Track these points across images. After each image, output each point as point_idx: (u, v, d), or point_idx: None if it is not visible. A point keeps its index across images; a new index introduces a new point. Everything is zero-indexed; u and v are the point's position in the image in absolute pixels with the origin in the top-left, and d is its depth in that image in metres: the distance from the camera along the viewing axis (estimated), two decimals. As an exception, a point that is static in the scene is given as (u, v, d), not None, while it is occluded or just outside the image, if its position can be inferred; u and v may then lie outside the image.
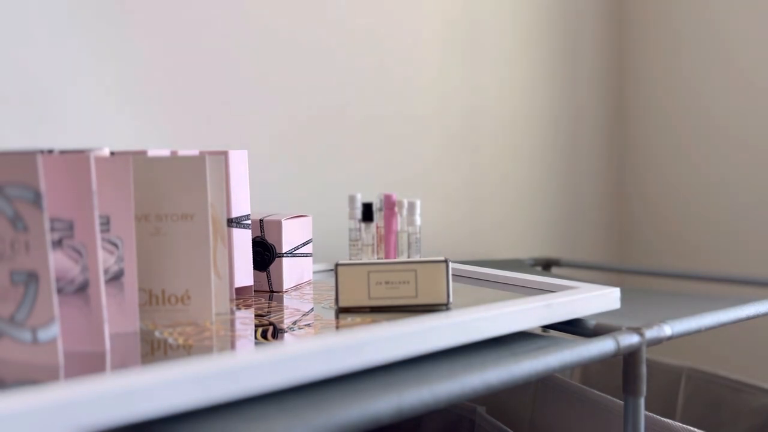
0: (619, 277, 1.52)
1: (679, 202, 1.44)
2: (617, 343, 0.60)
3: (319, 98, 1.07)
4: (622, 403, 0.66)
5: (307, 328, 0.60)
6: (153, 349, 0.52)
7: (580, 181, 1.47)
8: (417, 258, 0.89)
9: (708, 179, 1.40)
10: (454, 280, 0.81)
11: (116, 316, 0.55)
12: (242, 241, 0.72)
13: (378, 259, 0.93)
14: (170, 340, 0.54)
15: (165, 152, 0.67)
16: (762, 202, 1.31)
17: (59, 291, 0.51)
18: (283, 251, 0.78)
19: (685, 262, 1.43)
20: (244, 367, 0.43)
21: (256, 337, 0.56)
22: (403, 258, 0.92)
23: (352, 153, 1.11)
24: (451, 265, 0.66)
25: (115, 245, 0.55)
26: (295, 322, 0.62)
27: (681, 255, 1.44)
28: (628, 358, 0.63)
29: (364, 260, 0.68)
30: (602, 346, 0.58)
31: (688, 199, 1.43)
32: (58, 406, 0.36)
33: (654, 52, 1.48)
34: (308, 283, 0.84)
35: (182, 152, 0.69)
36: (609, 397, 0.76)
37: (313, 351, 0.46)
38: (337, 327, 0.60)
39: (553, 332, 0.80)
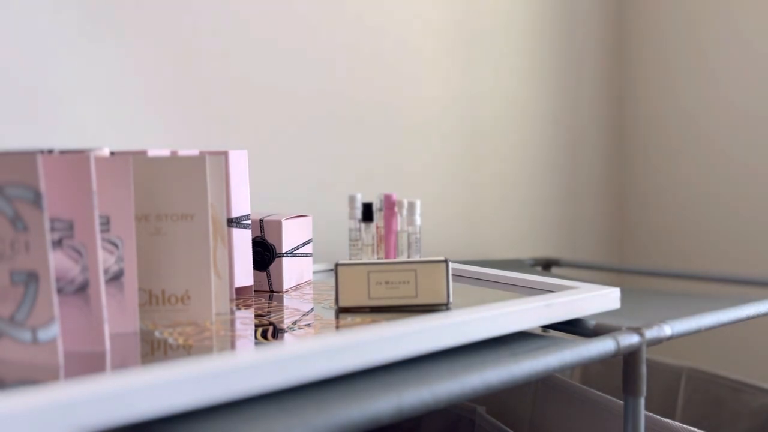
0: (619, 277, 1.52)
1: (679, 202, 1.44)
2: (617, 343, 0.60)
3: (319, 98, 1.07)
4: (622, 403, 0.66)
5: (307, 328, 0.60)
6: (153, 349, 0.52)
7: (580, 181, 1.47)
8: (417, 258, 0.89)
9: (708, 179, 1.40)
10: (454, 280, 0.81)
11: (116, 316, 0.55)
12: (242, 241, 0.72)
13: (378, 259, 0.93)
14: (170, 340, 0.54)
15: (165, 152, 0.67)
16: (762, 202, 1.31)
17: (59, 291, 0.51)
18: (283, 251, 0.78)
19: (685, 262, 1.43)
20: (244, 367, 0.43)
21: (256, 337, 0.56)
22: (403, 258, 0.92)
23: (352, 153, 1.11)
24: (451, 265, 0.66)
25: (115, 245, 0.55)
26: (295, 322, 0.62)
27: (681, 255, 1.44)
28: (628, 358, 0.63)
29: (364, 260, 0.68)
30: (602, 346, 0.58)
31: (688, 199, 1.43)
32: (58, 406, 0.36)
33: (654, 53, 1.48)
34: (308, 283, 0.84)
35: (182, 152, 0.69)
36: (609, 397, 0.76)
37: (313, 351, 0.46)
38: (337, 327, 0.60)
39: (553, 332, 0.80)
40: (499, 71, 1.31)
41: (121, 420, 0.38)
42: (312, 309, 0.68)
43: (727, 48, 1.36)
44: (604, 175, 1.52)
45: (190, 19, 0.95)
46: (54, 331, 0.48)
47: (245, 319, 0.63)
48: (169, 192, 0.60)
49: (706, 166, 1.40)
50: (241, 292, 0.74)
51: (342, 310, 0.65)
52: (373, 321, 0.60)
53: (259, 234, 0.79)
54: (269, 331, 0.58)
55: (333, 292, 0.75)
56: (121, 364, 0.49)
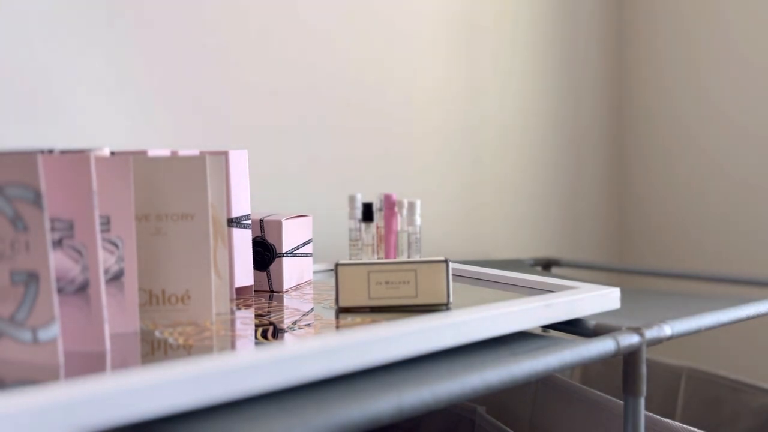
0: (619, 277, 1.52)
1: (679, 202, 1.44)
2: (617, 343, 0.60)
3: (320, 98, 1.07)
4: (622, 403, 0.66)
5: (307, 328, 0.60)
6: (153, 349, 0.52)
7: (580, 181, 1.47)
8: (417, 258, 0.89)
9: (708, 180, 1.40)
10: (454, 280, 0.81)
11: (116, 316, 0.55)
12: (242, 241, 0.72)
13: (378, 259, 0.93)
14: (170, 340, 0.54)
15: (165, 152, 0.67)
16: (762, 202, 1.31)
17: (59, 291, 0.51)
18: (283, 251, 0.78)
19: (685, 262, 1.43)
20: (244, 367, 0.43)
21: (256, 337, 0.56)
22: (403, 258, 0.92)
23: (352, 153, 1.11)
24: (451, 265, 0.66)
25: (116, 245, 0.55)
26: (295, 322, 0.62)
27: (681, 255, 1.44)
28: (628, 358, 0.63)
29: (364, 260, 0.68)
30: (602, 346, 0.58)
31: (688, 199, 1.43)
32: (58, 406, 0.36)
33: (654, 53, 1.48)
34: (308, 283, 0.84)
35: (182, 152, 0.69)
36: (609, 397, 0.76)
37: (313, 351, 0.46)
38: (337, 327, 0.60)
39: (553, 332, 0.80)
40: (499, 71, 1.31)
41: (121, 420, 0.38)
42: (312, 309, 0.68)
43: (728, 49, 1.36)
44: (604, 175, 1.52)
45: (191, 19, 0.95)
46: (54, 331, 0.48)
47: (245, 319, 0.63)
48: (169, 192, 0.60)
49: (706, 167, 1.40)
50: (241, 292, 0.74)
51: (342, 310, 0.65)
52: (373, 321, 0.60)
53: (259, 234, 0.79)
54: (269, 331, 0.58)
55: (333, 292, 0.75)
56: (121, 364, 0.49)
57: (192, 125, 0.95)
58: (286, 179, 1.04)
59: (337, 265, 0.65)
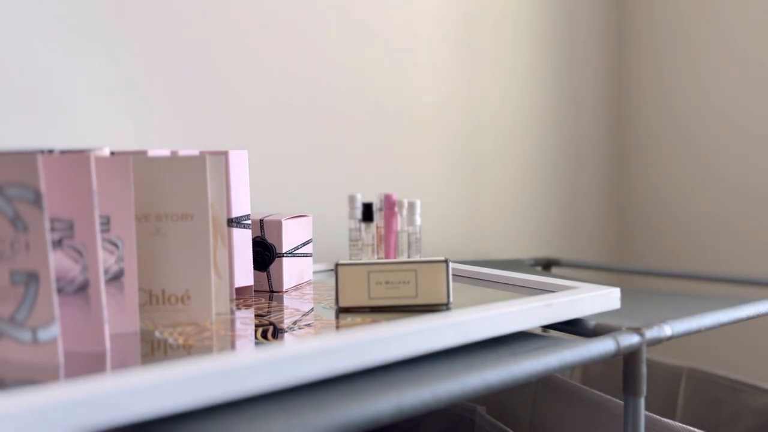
0: (619, 277, 1.52)
1: (679, 202, 1.44)
2: (617, 343, 0.60)
3: (320, 98, 1.07)
4: (622, 403, 0.66)
5: (307, 328, 0.60)
6: (153, 349, 0.52)
7: (580, 181, 1.47)
8: (417, 258, 0.89)
9: (708, 179, 1.40)
10: (454, 280, 0.81)
11: (116, 316, 0.55)
12: (242, 241, 0.72)
13: (378, 259, 0.93)
14: (170, 340, 0.54)
15: (165, 152, 0.67)
16: (762, 202, 1.31)
17: (59, 291, 0.51)
18: (283, 251, 0.78)
19: (685, 262, 1.43)
20: (244, 367, 0.43)
21: (256, 337, 0.56)
22: (403, 258, 0.92)
23: (352, 153, 1.11)
24: (451, 265, 0.66)
25: (115, 245, 0.55)
26: (295, 322, 0.62)
27: (681, 255, 1.44)
28: (628, 358, 0.63)
29: (364, 260, 0.68)
30: (602, 346, 0.58)
31: (688, 199, 1.43)
32: (58, 406, 0.36)
33: (654, 53, 1.48)
34: (308, 283, 0.84)
35: (182, 152, 0.69)
36: (609, 397, 0.76)
37: (313, 351, 0.46)
38: (337, 327, 0.60)
39: (553, 332, 0.80)
40: (499, 71, 1.31)
41: (121, 420, 0.38)
42: (312, 309, 0.68)
43: (728, 50, 1.36)
44: (604, 175, 1.52)
45: (191, 19, 0.95)
46: (54, 331, 0.48)
47: (245, 319, 0.63)
48: (169, 192, 0.60)
49: (706, 167, 1.40)
50: (241, 292, 0.74)
51: (342, 310, 0.65)
52: (373, 321, 0.60)
53: (259, 234, 0.79)
54: (269, 331, 0.58)
55: (333, 292, 0.75)
56: (121, 364, 0.49)
57: (192, 125, 0.95)
58: (286, 179, 1.04)
59: (337, 265, 0.65)
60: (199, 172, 0.60)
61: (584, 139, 1.48)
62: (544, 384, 0.86)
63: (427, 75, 1.21)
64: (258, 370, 0.43)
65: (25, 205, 0.48)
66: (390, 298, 0.64)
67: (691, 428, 0.69)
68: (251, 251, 0.74)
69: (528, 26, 1.36)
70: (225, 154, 0.70)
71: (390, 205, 0.95)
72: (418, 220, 0.93)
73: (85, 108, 0.87)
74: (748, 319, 0.76)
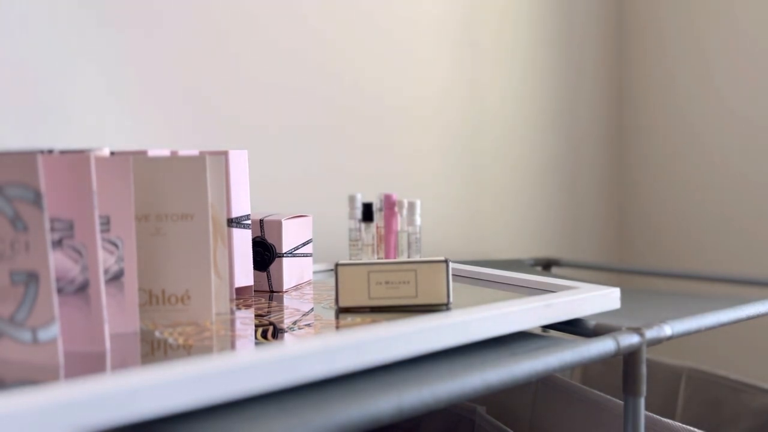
0: (619, 277, 1.52)
1: (679, 202, 1.44)
2: (617, 343, 0.60)
3: (320, 98, 1.07)
4: (622, 403, 0.66)
5: (307, 328, 0.60)
6: (153, 349, 0.52)
7: (580, 181, 1.47)
8: (417, 258, 0.89)
9: (708, 179, 1.40)
10: (454, 280, 0.81)
11: (116, 316, 0.55)
12: (242, 241, 0.72)
13: (378, 259, 0.93)
14: (170, 340, 0.54)
15: (165, 152, 0.67)
16: (762, 202, 1.31)
17: (59, 291, 0.51)
18: (283, 251, 0.78)
19: (685, 262, 1.43)
20: (244, 367, 0.43)
21: (256, 337, 0.56)
22: (403, 258, 0.92)
23: (352, 153, 1.11)
24: (451, 265, 0.66)
25: (115, 245, 0.55)
26: (295, 322, 0.62)
27: (681, 255, 1.44)
28: (628, 358, 0.63)
29: (364, 260, 0.68)
30: (602, 346, 0.58)
31: (688, 199, 1.43)
32: (58, 406, 0.36)
33: (654, 54, 1.48)
34: (308, 283, 0.84)
35: (182, 152, 0.69)
36: (609, 397, 0.76)
37: (313, 351, 0.46)
38: (337, 327, 0.60)
39: (553, 332, 0.80)
40: (499, 72, 1.31)
41: (121, 420, 0.38)
42: (312, 309, 0.68)
43: (728, 49, 1.36)
44: (604, 175, 1.52)
45: (191, 19, 0.95)
46: (54, 331, 0.48)
47: (245, 319, 0.63)
48: (169, 192, 0.60)
49: (706, 166, 1.40)
50: (241, 292, 0.74)
51: (342, 310, 0.65)
52: (373, 321, 0.60)
53: (259, 234, 0.79)
54: (269, 331, 0.58)
55: (333, 292, 0.75)
56: (121, 364, 0.49)
57: (192, 125, 0.95)
58: (286, 179, 1.04)
59: (337, 265, 0.65)
60: (199, 172, 0.60)
61: (584, 139, 1.48)
62: (544, 384, 0.86)
63: (427, 75, 1.20)
64: (258, 370, 0.43)
65: (25, 205, 0.48)
66: (390, 298, 0.64)
67: (691, 428, 0.69)
68: (251, 251, 0.74)
69: (528, 27, 1.36)
70: (225, 154, 0.70)
71: (390, 205, 0.95)
72: (418, 220, 0.93)
73: (84, 108, 0.87)
74: (748, 319, 0.76)
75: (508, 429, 0.77)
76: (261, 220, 0.79)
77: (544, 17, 1.39)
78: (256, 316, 0.65)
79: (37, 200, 0.48)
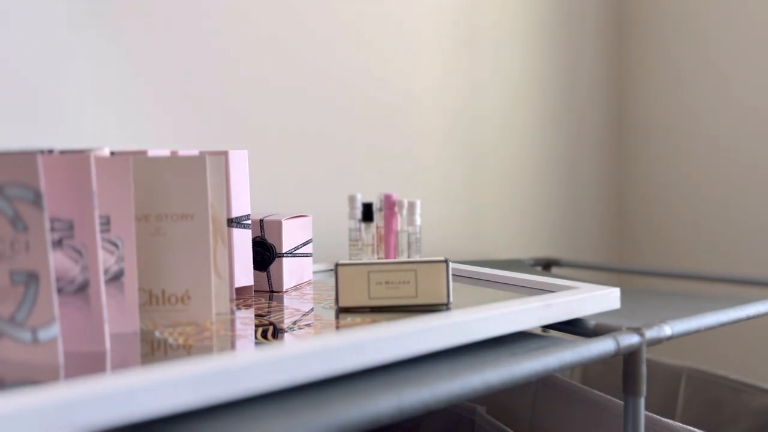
0: (619, 277, 1.52)
1: (679, 202, 1.44)
2: (617, 343, 0.60)
3: (320, 98, 1.07)
4: (622, 403, 0.66)
5: (307, 328, 0.60)
6: (153, 349, 0.52)
7: (580, 181, 1.47)
8: (417, 258, 0.89)
9: (708, 179, 1.40)
10: (454, 280, 0.81)
11: (116, 316, 0.55)
12: (242, 241, 0.72)
13: (378, 259, 0.93)
14: (170, 340, 0.54)
15: (165, 152, 0.67)
16: (761, 202, 1.31)
17: (59, 291, 0.51)
18: (283, 251, 0.78)
19: (685, 262, 1.43)
20: (244, 367, 0.43)
21: (256, 337, 0.56)
22: (403, 258, 0.92)
23: (352, 153, 1.11)
24: (451, 265, 0.66)
25: (115, 245, 0.55)
26: (295, 322, 0.62)
27: (681, 255, 1.44)
28: (628, 358, 0.63)
29: (364, 260, 0.68)
30: (602, 346, 0.58)
31: (688, 199, 1.43)
32: (58, 406, 0.36)
33: (654, 54, 1.48)
34: (308, 283, 0.84)
35: (182, 152, 0.69)
36: (609, 397, 0.76)
37: (313, 351, 0.46)
38: (337, 327, 0.60)
39: (553, 332, 0.80)
40: (498, 71, 1.31)
41: (121, 420, 0.38)
42: (312, 309, 0.68)
43: (727, 48, 1.36)
44: (604, 175, 1.52)
45: (191, 19, 0.95)
46: (54, 331, 0.48)
47: (245, 319, 0.63)
48: (169, 192, 0.60)
49: (706, 167, 1.40)
50: (241, 292, 0.74)
51: (342, 310, 0.65)
52: (373, 321, 0.60)
53: (259, 234, 0.79)
54: (269, 331, 0.58)
55: (333, 292, 0.75)
56: (121, 364, 0.49)
57: (192, 125, 0.95)
58: (286, 179, 1.04)
59: (337, 265, 0.65)
60: (199, 172, 0.60)
61: (584, 139, 1.48)
62: (544, 384, 0.86)
63: (427, 75, 1.20)
64: (258, 370, 0.43)
65: (25, 205, 0.48)
66: (390, 298, 0.64)
67: (691, 428, 0.69)
68: (251, 251, 0.74)
69: (528, 26, 1.36)
70: (225, 154, 0.70)
71: (390, 205, 0.95)
72: (418, 220, 0.93)
73: (84, 108, 0.87)
74: (748, 319, 0.76)
75: (508, 429, 0.77)
76: (261, 220, 0.79)
77: (547, 16, 1.39)
78: (256, 316, 0.65)
79: (37, 200, 0.48)
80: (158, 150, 0.67)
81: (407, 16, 1.17)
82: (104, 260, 0.55)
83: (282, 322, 0.62)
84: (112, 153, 0.61)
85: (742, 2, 1.33)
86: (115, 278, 0.55)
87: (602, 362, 1.13)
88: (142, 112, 0.91)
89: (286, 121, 1.04)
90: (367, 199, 1.10)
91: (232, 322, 0.61)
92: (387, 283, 0.64)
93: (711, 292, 1.31)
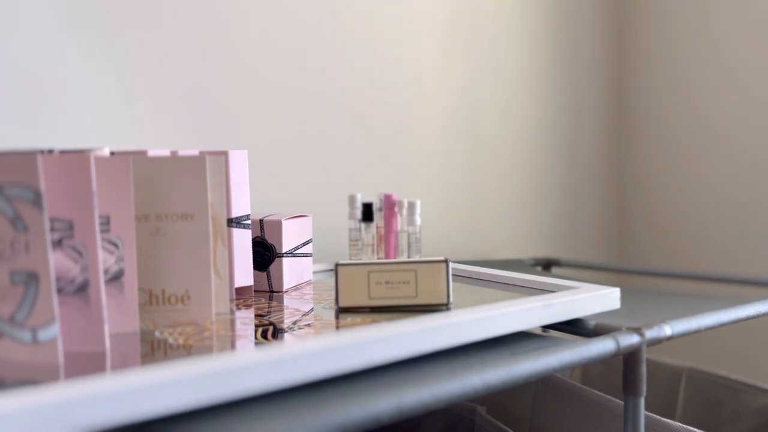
0: (619, 277, 1.52)
1: (679, 202, 1.44)
2: (617, 343, 0.60)
3: (320, 98, 1.07)
4: (622, 403, 0.66)
5: (307, 328, 0.60)
6: (153, 349, 0.52)
7: (580, 181, 1.47)
8: (417, 258, 0.89)
9: (708, 180, 1.40)
10: (454, 280, 0.81)
11: (116, 316, 0.55)
12: (242, 241, 0.72)
13: (378, 259, 0.93)
14: (170, 340, 0.54)
15: (165, 152, 0.67)
16: (761, 202, 1.31)
17: (59, 291, 0.51)
18: (283, 251, 0.78)
19: (685, 262, 1.43)
20: (244, 367, 0.43)
21: (256, 337, 0.56)
22: (403, 258, 0.92)
23: (352, 153, 1.11)
24: (451, 265, 0.66)
25: (115, 245, 0.55)
26: (295, 322, 0.62)
27: (681, 255, 1.44)
28: (628, 358, 0.63)
29: (364, 260, 0.68)
30: (602, 346, 0.58)
31: (688, 199, 1.43)
32: (58, 406, 0.36)
33: (654, 53, 1.48)
34: (308, 283, 0.84)
35: (182, 152, 0.69)
36: (609, 397, 0.76)
37: (313, 351, 0.46)
38: (337, 327, 0.60)
39: (553, 332, 0.80)
40: (498, 71, 1.31)
41: (121, 420, 0.38)
42: (312, 309, 0.68)
43: (727, 51, 1.36)
44: (604, 174, 1.52)
45: (191, 19, 0.95)
46: (54, 331, 0.48)
47: (245, 319, 0.63)
48: (169, 192, 0.60)
49: (707, 167, 1.40)
50: (241, 292, 0.74)
51: (342, 310, 0.65)
52: (373, 321, 0.60)
53: (259, 234, 0.79)
54: (269, 331, 0.58)
55: (333, 292, 0.75)
56: (121, 364, 0.49)
57: (192, 125, 0.95)
58: (286, 179, 1.04)
59: (337, 265, 0.65)
60: (199, 172, 0.60)
61: (584, 139, 1.48)
62: (544, 384, 0.86)
63: (427, 75, 1.20)
64: (258, 370, 0.43)
65: (25, 205, 0.48)
66: (390, 298, 0.64)
67: (691, 428, 0.69)
68: (251, 251, 0.74)
69: (527, 27, 1.36)
70: (225, 154, 0.70)
71: (390, 205, 0.95)
72: (418, 220, 0.93)
73: (85, 108, 0.87)
74: (748, 319, 0.76)
75: (508, 429, 0.77)
76: (261, 220, 0.79)
77: (547, 16, 1.39)
78: (256, 316, 0.65)
79: (36, 200, 0.48)
80: (158, 150, 0.67)
81: (406, 17, 1.17)
82: (104, 260, 0.55)
83: (282, 322, 0.62)
84: (112, 153, 0.61)
85: (736, 6, 1.33)
86: (115, 278, 0.55)
87: (602, 362, 1.13)
88: (142, 112, 0.91)
89: (286, 121, 1.04)
90: (367, 199, 1.10)
91: (232, 322, 0.61)
92: (387, 283, 0.64)
93: (711, 292, 1.31)
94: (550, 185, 1.41)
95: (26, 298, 0.49)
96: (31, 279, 0.48)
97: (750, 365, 1.33)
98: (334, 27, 1.09)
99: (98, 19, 0.87)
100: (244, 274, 0.73)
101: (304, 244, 0.83)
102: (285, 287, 0.78)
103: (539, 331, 0.89)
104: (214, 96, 0.97)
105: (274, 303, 0.71)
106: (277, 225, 0.78)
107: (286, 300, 0.73)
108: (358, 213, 0.93)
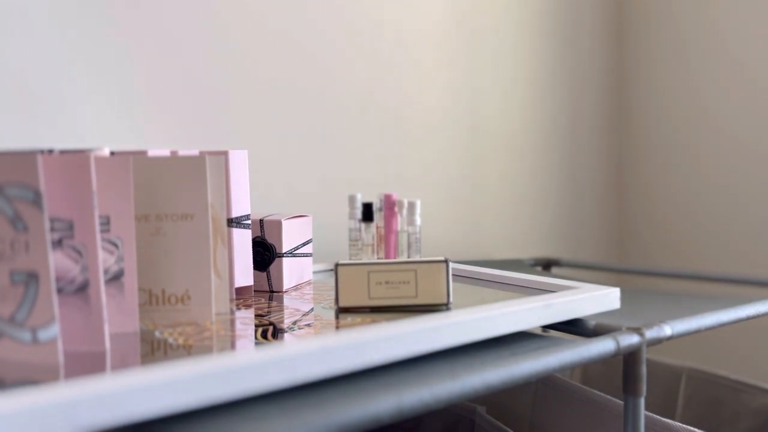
0: (619, 277, 1.52)
1: (679, 202, 1.44)
2: (617, 343, 0.60)
3: (320, 98, 1.07)
4: (622, 403, 0.66)
5: (307, 328, 0.60)
6: (153, 349, 0.52)
7: (580, 181, 1.47)
8: (417, 258, 0.89)
9: (708, 179, 1.40)
10: (454, 280, 0.81)
11: (116, 316, 0.55)
12: (242, 241, 0.72)
13: (378, 259, 0.93)
14: (170, 340, 0.54)
15: (165, 152, 0.67)
16: (761, 202, 1.31)
17: (59, 291, 0.51)
18: (283, 251, 0.78)
19: (685, 262, 1.43)
20: (244, 367, 0.43)
21: (256, 337, 0.56)
22: (403, 258, 0.92)
23: (352, 153, 1.11)
24: (451, 265, 0.66)
25: (115, 245, 0.55)
26: (295, 322, 0.62)
27: (681, 255, 1.44)
28: (628, 358, 0.63)
29: (364, 260, 0.68)
30: (602, 346, 0.58)
31: (688, 199, 1.43)
32: (58, 406, 0.36)
33: (654, 53, 1.48)
34: (308, 283, 0.84)
35: (182, 152, 0.69)
36: (609, 397, 0.76)
37: (313, 351, 0.46)
38: (337, 327, 0.60)
39: (553, 332, 0.80)
40: (499, 71, 1.31)
41: (121, 420, 0.38)
42: (312, 309, 0.68)
43: (728, 51, 1.36)
44: (604, 175, 1.52)
45: (191, 19, 0.95)
46: (54, 331, 0.48)
47: (245, 319, 0.63)
48: (169, 192, 0.60)
49: (707, 167, 1.40)
50: (241, 292, 0.74)
51: (342, 310, 0.65)
52: (373, 321, 0.60)
53: (259, 234, 0.79)
54: (269, 331, 0.58)
55: (333, 292, 0.75)
56: (121, 364, 0.49)
57: (192, 125, 0.95)
58: (286, 179, 1.04)
59: (337, 265, 0.65)
60: (199, 172, 0.60)
61: (584, 139, 1.48)
62: (544, 384, 0.86)
63: (427, 75, 1.20)
64: (258, 370, 0.43)
65: (25, 205, 0.48)
66: (390, 298, 0.64)
67: (691, 428, 0.69)
68: (251, 251, 0.74)
69: (528, 27, 1.36)
70: (225, 154, 0.70)
71: (390, 205, 0.95)
72: (418, 220, 0.93)
73: (84, 108, 0.87)
74: (748, 319, 0.76)
75: (508, 429, 0.77)
76: (261, 220, 0.79)
77: (547, 15, 1.39)
78: (256, 316, 0.65)
79: (36, 200, 0.48)
80: (158, 150, 0.67)
81: (407, 17, 1.17)
82: (104, 260, 0.55)
83: (282, 322, 0.62)
84: (112, 153, 0.61)
85: (737, 6, 1.33)
86: (115, 278, 0.55)
87: (602, 362, 1.13)
88: (142, 112, 0.91)
89: (286, 121, 1.04)
90: (367, 199, 1.10)
91: (232, 322, 0.61)
92: (387, 283, 0.64)
93: (711, 292, 1.31)
94: (550, 185, 1.41)
95: (26, 298, 0.49)
96: (31, 279, 0.48)
97: (750, 365, 1.33)
98: (336, 27, 1.09)
99: (98, 19, 0.87)
100: (244, 274, 0.73)
101: (304, 244, 0.83)
102: (285, 287, 0.78)
103: (539, 331, 0.89)
104: (214, 96, 0.97)
105: (274, 303, 0.71)
106: (277, 225, 0.78)
107: (286, 300, 0.73)
108: (358, 213, 0.93)
